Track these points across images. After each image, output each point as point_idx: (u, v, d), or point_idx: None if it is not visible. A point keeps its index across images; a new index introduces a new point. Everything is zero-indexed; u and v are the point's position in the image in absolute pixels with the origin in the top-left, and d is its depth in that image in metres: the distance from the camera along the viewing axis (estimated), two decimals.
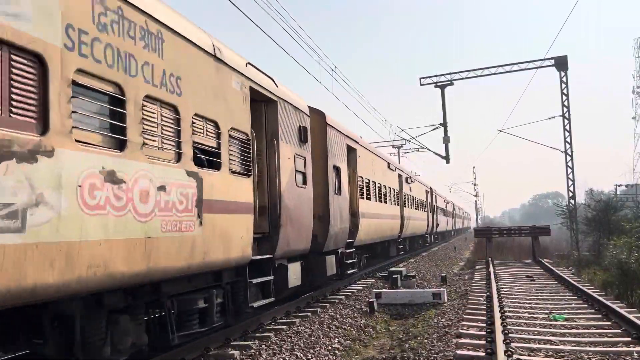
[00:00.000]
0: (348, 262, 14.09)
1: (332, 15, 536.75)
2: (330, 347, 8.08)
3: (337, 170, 13.03)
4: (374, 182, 17.93)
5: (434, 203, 38.25)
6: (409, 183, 26.11)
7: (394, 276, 15.55)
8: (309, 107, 11.22)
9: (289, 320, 9.71)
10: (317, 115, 12.28)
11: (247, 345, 7.77)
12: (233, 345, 7.79)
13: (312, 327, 9.34)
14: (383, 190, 19.51)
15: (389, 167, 21.33)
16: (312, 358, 7.49)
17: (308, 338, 8.57)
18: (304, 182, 10.34)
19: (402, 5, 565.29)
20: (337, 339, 8.64)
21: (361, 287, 14.75)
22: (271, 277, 8.70)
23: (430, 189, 36.91)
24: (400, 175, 24.01)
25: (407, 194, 25.67)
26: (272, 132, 9.09)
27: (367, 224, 16.08)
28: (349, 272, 14.18)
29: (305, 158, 10.42)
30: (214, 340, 7.66)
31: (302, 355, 7.54)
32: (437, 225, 39.88)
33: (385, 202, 19.82)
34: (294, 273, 9.85)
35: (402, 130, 38.91)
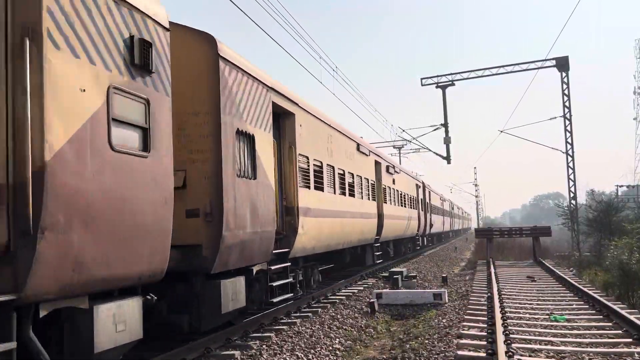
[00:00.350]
0: (277, 284, 9.59)
1: (332, 15, 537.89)
2: (331, 348, 8.09)
3: (247, 139, 8.23)
4: (331, 167, 12.97)
5: (428, 200, 33.96)
6: (391, 174, 21.21)
7: (394, 277, 15.56)
8: (174, 22, 6.85)
9: (289, 321, 9.71)
10: (197, 40, 7.65)
11: (248, 346, 7.78)
12: (234, 345, 7.80)
13: (313, 328, 9.35)
14: (349, 180, 14.50)
15: (359, 149, 16.10)
16: (312, 358, 7.49)
17: (309, 338, 8.58)
18: (145, 147, 5.50)
19: (402, 6, 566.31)
20: (337, 340, 8.65)
21: (362, 288, 14.75)
22: (12, 345, 4.10)
23: (423, 183, 32.76)
24: (378, 163, 19.09)
25: (389, 187, 20.72)
26: (23, 23, 4.30)
27: (315, 226, 11.25)
28: (278, 299, 9.59)
29: (147, 101, 5.55)
30: (214, 340, 7.67)
31: (302, 355, 7.54)
32: (431, 225, 35.34)
33: (352, 195, 14.75)
34: (115, 321, 5.21)
35: (403, 130, 38.96)
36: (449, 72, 30.10)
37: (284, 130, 10.43)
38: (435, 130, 33.18)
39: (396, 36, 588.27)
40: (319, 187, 11.90)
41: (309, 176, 11.25)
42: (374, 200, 17.89)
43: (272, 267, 9.30)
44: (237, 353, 7.35)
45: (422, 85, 30.58)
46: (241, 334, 8.35)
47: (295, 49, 17.75)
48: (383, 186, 19.48)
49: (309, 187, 11.17)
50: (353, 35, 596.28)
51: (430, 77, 30.45)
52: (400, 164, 33.49)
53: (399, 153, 46.94)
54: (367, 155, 17.23)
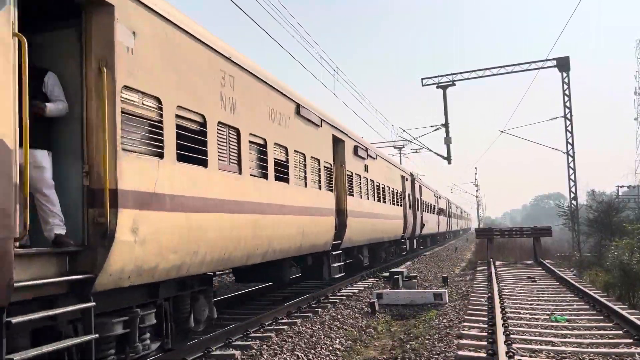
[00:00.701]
0: (30, 355, 3.99)
1: (332, 15, 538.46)
2: (331, 348, 8.08)
3: None
4: (233, 130, 7.64)
5: (418, 196, 28.50)
6: (362, 158, 15.81)
7: (395, 277, 15.55)
8: None
9: (290, 321, 9.71)
10: None
11: (248, 346, 7.78)
12: (234, 345, 7.80)
13: (314, 328, 9.35)
14: (277, 156, 9.23)
15: (299, 113, 10.39)
16: (313, 358, 7.49)
17: (309, 338, 8.58)
18: None
19: (402, 6, 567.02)
20: (338, 340, 8.64)
21: (362, 288, 14.75)
22: None
23: (411, 175, 26.86)
24: (338, 140, 13.49)
25: (359, 175, 15.52)
26: None
27: (176, 227, 5.99)
28: None
29: None
30: (214, 340, 7.67)
31: (303, 355, 7.54)
32: (423, 225, 29.72)
33: (284, 180, 9.45)
34: None
35: (404, 130, 38.93)
36: (449, 72, 30.17)
37: (88, 36, 5.22)
38: (435, 130, 33.24)
39: (396, 36, 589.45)
40: (195, 158, 6.57)
41: (161, 135, 5.89)
42: (331, 190, 12.60)
43: (19, 320, 3.99)
44: (237, 353, 7.35)
45: (422, 85, 30.64)
46: (241, 333, 8.36)
47: (296, 49, 17.79)
48: (348, 173, 14.18)
49: (160, 156, 5.83)
50: (353, 36, 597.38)
51: (431, 77, 30.49)
52: (400, 163, 32.97)
53: (400, 153, 47.04)
54: (316, 125, 11.50)
